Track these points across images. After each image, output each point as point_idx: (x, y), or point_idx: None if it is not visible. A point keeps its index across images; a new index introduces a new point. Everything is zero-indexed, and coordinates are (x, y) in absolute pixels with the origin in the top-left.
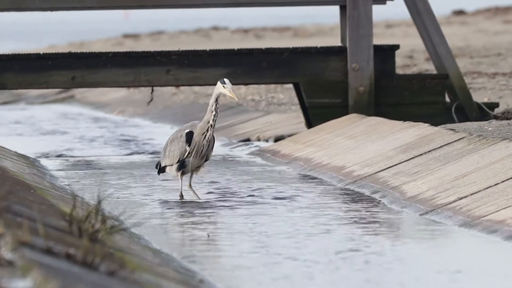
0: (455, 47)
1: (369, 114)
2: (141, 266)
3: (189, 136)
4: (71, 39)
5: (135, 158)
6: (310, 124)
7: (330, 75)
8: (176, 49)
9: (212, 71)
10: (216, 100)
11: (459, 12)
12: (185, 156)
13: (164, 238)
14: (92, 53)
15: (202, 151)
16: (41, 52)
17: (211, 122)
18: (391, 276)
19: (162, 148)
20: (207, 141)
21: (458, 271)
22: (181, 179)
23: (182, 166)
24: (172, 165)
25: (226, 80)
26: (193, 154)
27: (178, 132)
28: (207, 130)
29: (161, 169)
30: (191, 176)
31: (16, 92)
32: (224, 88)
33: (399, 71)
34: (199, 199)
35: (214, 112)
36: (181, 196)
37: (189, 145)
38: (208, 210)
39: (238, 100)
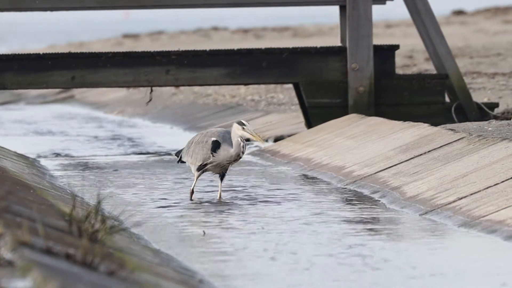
0: (455, 47)
1: (369, 114)
2: (141, 266)
3: (215, 145)
4: (71, 39)
5: (135, 158)
6: (310, 124)
7: (330, 75)
8: (175, 49)
9: (212, 71)
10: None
11: (459, 12)
12: (207, 162)
13: (164, 238)
14: (92, 53)
15: (223, 166)
16: (41, 52)
17: (240, 155)
18: (390, 276)
19: (187, 143)
20: (229, 164)
21: (457, 271)
22: (197, 178)
23: (202, 168)
24: (193, 164)
25: (244, 121)
26: (214, 164)
27: (204, 136)
28: (235, 161)
29: (182, 161)
30: (221, 183)
31: (16, 92)
32: (245, 132)
33: (399, 71)
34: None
35: (242, 144)
36: (192, 192)
37: (213, 154)
38: (208, 210)
39: (263, 141)
